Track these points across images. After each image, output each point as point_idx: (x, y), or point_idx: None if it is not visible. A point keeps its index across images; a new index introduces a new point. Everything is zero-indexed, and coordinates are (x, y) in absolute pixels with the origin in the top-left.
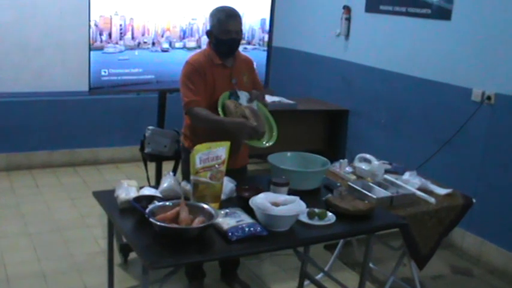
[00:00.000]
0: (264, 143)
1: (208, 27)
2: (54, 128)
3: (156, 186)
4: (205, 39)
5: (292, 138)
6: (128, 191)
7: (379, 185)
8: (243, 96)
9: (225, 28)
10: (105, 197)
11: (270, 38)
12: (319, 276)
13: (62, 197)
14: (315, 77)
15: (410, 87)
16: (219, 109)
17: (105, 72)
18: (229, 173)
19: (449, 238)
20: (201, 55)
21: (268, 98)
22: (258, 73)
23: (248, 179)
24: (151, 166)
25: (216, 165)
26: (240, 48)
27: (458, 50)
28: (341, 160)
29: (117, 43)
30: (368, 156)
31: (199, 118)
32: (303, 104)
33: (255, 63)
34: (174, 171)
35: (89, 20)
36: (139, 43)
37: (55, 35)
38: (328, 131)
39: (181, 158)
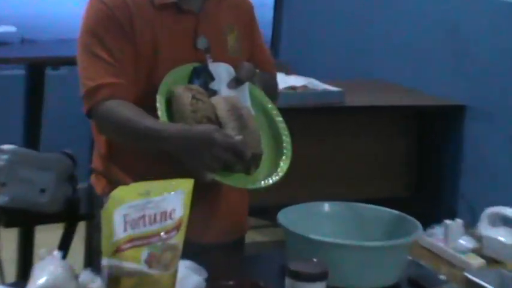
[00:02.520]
0: (262, 182)
1: None
2: None
3: (20, 284)
4: None
5: (332, 167)
6: None
7: None
8: (222, 74)
9: None
10: None
11: None
12: None
13: None
14: (379, 33)
15: None
16: (159, 104)
17: None
18: (195, 251)
19: None
20: None
21: (281, 80)
22: (261, 31)
23: (239, 264)
24: (10, 235)
25: (162, 234)
26: None
27: None
28: (447, 221)
29: None
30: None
31: (111, 122)
32: (356, 93)
33: (254, 11)
34: (64, 247)
35: None
36: None
37: None
38: (415, 152)
39: (84, 218)
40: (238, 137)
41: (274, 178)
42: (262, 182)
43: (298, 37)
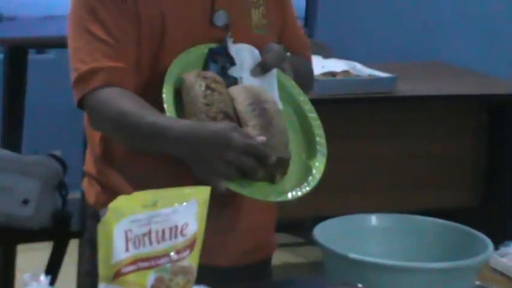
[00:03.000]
0: (289, 194)
1: None
2: None
3: None
4: None
5: (380, 171)
6: None
7: None
8: (244, 57)
9: None
10: None
11: None
12: None
13: None
14: (442, 5)
15: None
16: (165, 94)
17: None
18: (211, 276)
19: None
20: None
21: (317, 65)
22: (294, 7)
23: None
24: None
25: (172, 254)
26: None
27: None
28: None
29: None
30: None
31: (106, 114)
32: (411, 79)
33: None
34: (52, 270)
35: None
36: None
37: None
38: (485, 153)
39: (76, 235)
40: (261, 138)
41: (304, 189)
42: (290, 194)
43: (338, 12)
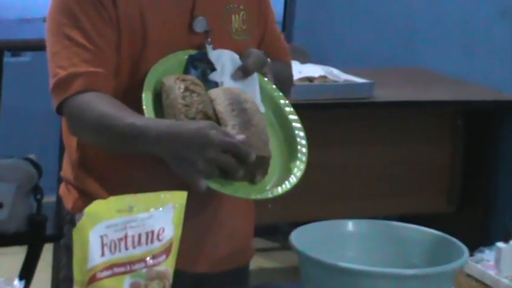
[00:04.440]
0: (268, 188)
1: None
2: None
3: None
4: None
5: (358, 177)
6: None
7: None
8: (225, 63)
9: None
10: None
11: None
12: None
13: None
14: (419, 12)
15: None
16: (144, 95)
17: None
18: (188, 282)
19: None
20: None
21: (295, 70)
22: (274, 12)
23: None
24: None
25: (148, 259)
26: None
27: None
28: (500, 243)
29: None
30: None
31: (85, 119)
32: (389, 85)
33: None
34: (26, 275)
35: None
36: None
37: None
38: (461, 159)
39: (51, 239)
40: (240, 136)
41: (284, 187)
42: (270, 192)
43: (316, 17)
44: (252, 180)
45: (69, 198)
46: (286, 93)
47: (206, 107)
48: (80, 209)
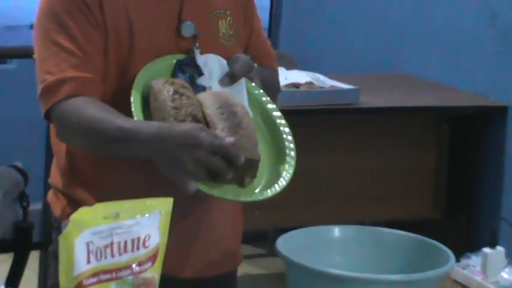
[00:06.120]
0: (257, 190)
1: None
2: None
3: None
4: None
5: (344, 183)
6: None
7: None
8: (212, 68)
9: None
10: None
11: None
12: None
13: None
14: (405, 18)
15: None
16: (133, 98)
17: None
18: (174, 286)
19: None
20: None
21: (281, 76)
22: (260, 18)
23: None
24: None
25: (134, 266)
26: None
27: None
28: (486, 249)
29: None
30: None
31: (73, 123)
32: (374, 91)
33: None
34: (13, 282)
35: None
36: None
37: None
38: (447, 165)
39: (38, 247)
40: (229, 139)
41: (274, 189)
42: (259, 195)
43: (302, 23)
44: (241, 183)
45: (57, 205)
46: (273, 99)
47: (195, 110)
48: (69, 216)
